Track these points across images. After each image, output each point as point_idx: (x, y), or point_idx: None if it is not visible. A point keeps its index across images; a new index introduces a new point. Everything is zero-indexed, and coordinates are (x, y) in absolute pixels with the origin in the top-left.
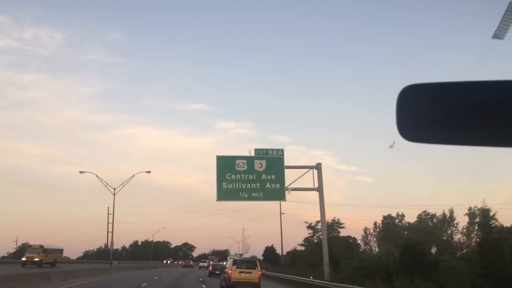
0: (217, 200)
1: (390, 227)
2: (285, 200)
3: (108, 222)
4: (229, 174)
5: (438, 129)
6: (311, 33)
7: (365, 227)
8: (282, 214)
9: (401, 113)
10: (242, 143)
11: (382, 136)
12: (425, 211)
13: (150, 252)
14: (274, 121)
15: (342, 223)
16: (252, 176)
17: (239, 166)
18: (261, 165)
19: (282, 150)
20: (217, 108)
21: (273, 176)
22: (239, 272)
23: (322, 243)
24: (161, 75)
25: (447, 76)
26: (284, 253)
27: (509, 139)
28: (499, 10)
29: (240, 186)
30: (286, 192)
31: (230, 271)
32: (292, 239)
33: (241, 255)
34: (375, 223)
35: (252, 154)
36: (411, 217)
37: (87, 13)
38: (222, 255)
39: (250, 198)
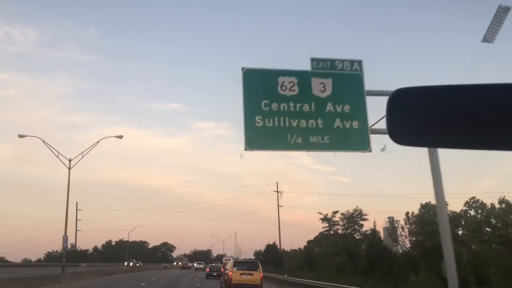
0: (245, 150)
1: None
2: (370, 151)
3: (74, 219)
4: (266, 102)
5: (429, 132)
6: (291, 34)
7: (391, 218)
8: (279, 207)
9: (392, 117)
10: (220, 144)
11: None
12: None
13: (125, 253)
14: None
15: (365, 214)
16: (309, 107)
17: (284, 88)
18: (324, 87)
19: (360, 63)
20: (194, 108)
21: (347, 107)
22: (240, 273)
23: (442, 239)
24: (137, 74)
25: (438, 79)
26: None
27: (499, 142)
28: (489, 14)
29: (286, 124)
30: (372, 137)
31: (230, 273)
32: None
33: (237, 258)
34: (407, 214)
35: (308, 68)
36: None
37: (61, 11)
38: (205, 255)
39: (306, 146)
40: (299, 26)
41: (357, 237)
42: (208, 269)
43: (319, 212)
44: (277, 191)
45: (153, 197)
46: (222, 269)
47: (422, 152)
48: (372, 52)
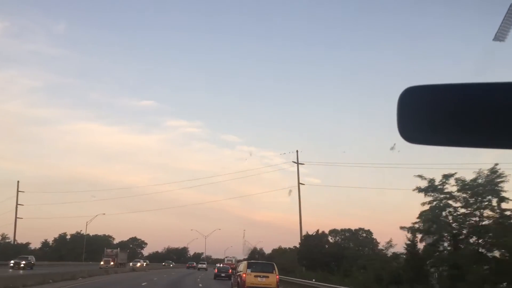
0: None
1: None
2: None
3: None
4: None
5: (439, 130)
6: (268, 34)
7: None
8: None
9: (402, 115)
10: (192, 142)
11: (332, 138)
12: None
13: (84, 249)
14: (224, 121)
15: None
16: None
17: None
18: None
19: None
20: (167, 106)
21: None
22: (255, 276)
23: None
24: (109, 70)
25: (448, 77)
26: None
27: (510, 141)
28: (500, 13)
29: None
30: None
31: (244, 275)
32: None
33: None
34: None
35: None
36: None
37: (30, 2)
38: (180, 253)
39: None
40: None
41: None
42: (216, 270)
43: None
44: (297, 162)
45: (123, 194)
46: (230, 270)
47: None
48: None
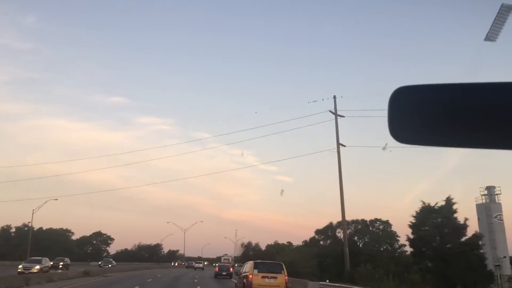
0: None
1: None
2: None
3: None
4: None
5: (430, 131)
6: (242, 32)
7: None
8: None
9: (393, 115)
10: (163, 139)
11: (303, 137)
12: None
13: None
14: (196, 118)
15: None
16: None
17: None
18: None
19: None
20: (138, 103)
21: None
22: (262, 277)
23: None
24: (79, 65)
25: (439, 78)
26: None
27: (501, 141)
28: (491, 13)
29: None
30: None
31: (250, 276)
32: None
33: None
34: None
35: None
36: None
37: None
38: (153, 250)
39: None
40: None
41: None
42: (217, 269)
43: None
44: (335, 113)
45: (92, 192)
46: (231, 269)
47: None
48: None
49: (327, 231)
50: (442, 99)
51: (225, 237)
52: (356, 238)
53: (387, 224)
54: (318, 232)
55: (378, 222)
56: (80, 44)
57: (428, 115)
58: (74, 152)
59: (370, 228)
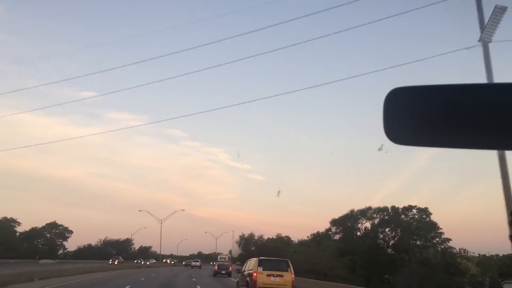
0: None
1: None
2: None
3: None
4: None
5: (425, 131)
6: (217, 28)
7: None
8: None
9: (388, 116)
10: (135, 136)
11: (277, 135)
12: None
13: None
14: (169, 115)
15: None
16: None
17: None
18: None
19: None
20: (110, 98)
21: None
22: (267, 275)
23: None
24: (48, 58)
25: (434, 79)
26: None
27: (497, 142)
28: (486, 14)
29: None
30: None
31: (255, 274)
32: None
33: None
34: None
35: None
36: None
37: None
38: (122, 246)
39: None
40: None
41: None
42: (216, 267)
43: None
44: None
45: (61, 189)
46: (230, 268)
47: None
48: None
49: (346, 221)
50: (438, 100)
51: (206, 232)
52: (386, 229)
53: (424, 212)
54: (335, 222)
55: (413, 210)
56: (49, 37)
57: (424, 116)
58: (42, 147)
59: (403, 218)
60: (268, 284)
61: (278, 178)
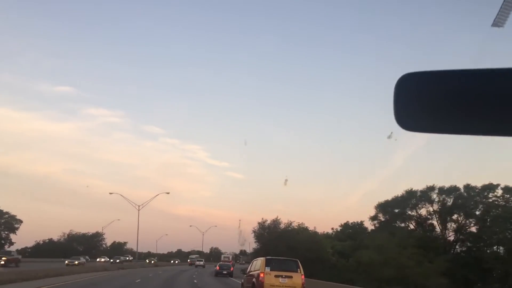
0: None
1: None
2: None
3: None
4: None
5: (437, 118)
6: (198, 25)
7: None
8: None
9: (399, 102)
10: (112, 132)
11: (254, 133)
12: None
13: None
14: (146, 111)
15: None
16: None
17: None
18: None
19: None
20: (86, 93)
21: None
22: (275, 276)
23: None
24: (23, 52)
25: (446, 64)
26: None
27: (508, 128)
28: None
29: None
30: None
31: (262, 275)
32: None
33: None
34: None
35: None
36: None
37: None
38: (90, 241)
39: None
40: None
41: None
42: (218, 267)
43: None
44: None
45: (35, 185)
46: (231, 268)
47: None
48: None
49: (403, 204)
50: (449, 86)
51: (190, 226)
52: (458, 217)
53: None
54: (383, 207)
55: (498, 190)
56: (26, 31)
57: (435, 102)
58: (15, 143)
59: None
60: (276, 286)
61: (256, 176)
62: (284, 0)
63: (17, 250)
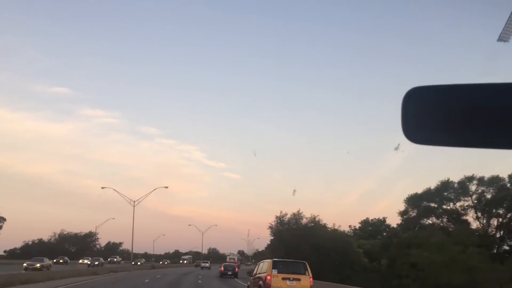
0: None
1: None
2: None
3: None
4: None
5: (444, 131)
6: (191, 24)
7: None
8: None
9: (407, 115)
10: (109, 133)
11: (251, 134)
12: None
13: None
14: (143, 112)
15: None
16: None
17: None
18: None
19: None
20: (82, 94)
21: None
22: (283, 278)
23: None
24: (18, 51)
25: (453, 78)
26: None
27: None
28: (504, 13)
29: None
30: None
31: (268, 277)
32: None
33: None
34: None
35: None
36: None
37: None
38: (82, 241)
39: None
40: None
41: None
42: (222, 268)
43: None
44: None
45: (30, 186)
46: (236, 269)
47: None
48: None
49: (438, 196)
50: (456, 100)
51: (189, 225)
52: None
53: None
54: (413, 200)
55: None
56: (21, 30)
57: (442, 115)
58: (11, 144)
59: None
60: None
61: (253, 176)
62: (284, 1)
63: (5, 251)
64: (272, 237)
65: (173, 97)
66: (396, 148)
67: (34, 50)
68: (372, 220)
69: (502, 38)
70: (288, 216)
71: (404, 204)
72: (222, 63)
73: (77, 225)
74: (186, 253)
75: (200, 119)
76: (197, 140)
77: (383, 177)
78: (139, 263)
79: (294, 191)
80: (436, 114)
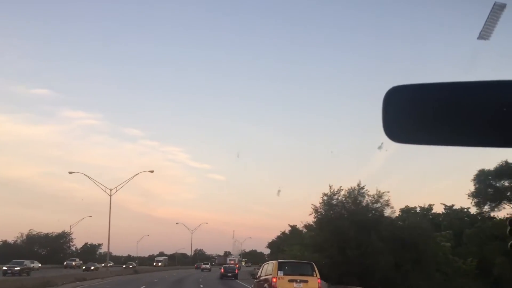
0: None
1: None
2: None
3: None
4: None
5: (425, 129)
6: (174, 26)
7: None
8: None
9: (387, 115)
10: (91, 134)
11: (235, 135)
12: None
13: None
14: (125, 113)
15: None
16: None
17: None
18: None
19: None
20: (63, 95)
21: None
22: (289, 280)
23: None
24: None
25: (434, 76)
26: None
27: (496, 139)
28: (484, 11)
29: None
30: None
31: (274, 279)
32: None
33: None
34: None
35: None
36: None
37: None
38: (54, 242)
39: None
40: None
41: None
42: (222, 270)
43: None
44: None
45: (9, 189)
46: (236, 270)
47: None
48: None
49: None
50: (436, 98)
51: (177, 223)
52: None
53: None
54: (483, 176)
55: None
56: (0, 32)
57: (423, 114)
58: None
59: None
60: None
61: (238, 178)
62: (284, 1)
63: None
64: (314, 223)
65: (156, 98)
66: (380, 147)
67: (14, 52)
68: (412, 208)
69: (482, 36)
70: (343, 192)
71: (473, 183)
72: (205, 63)
73: (53, 228)
74: (160, 255)
75: (184, 120)
76: (181, 141)
77: (369, 175)
78: (131, 267)
79: (279, 191)
80: (416, 113)
